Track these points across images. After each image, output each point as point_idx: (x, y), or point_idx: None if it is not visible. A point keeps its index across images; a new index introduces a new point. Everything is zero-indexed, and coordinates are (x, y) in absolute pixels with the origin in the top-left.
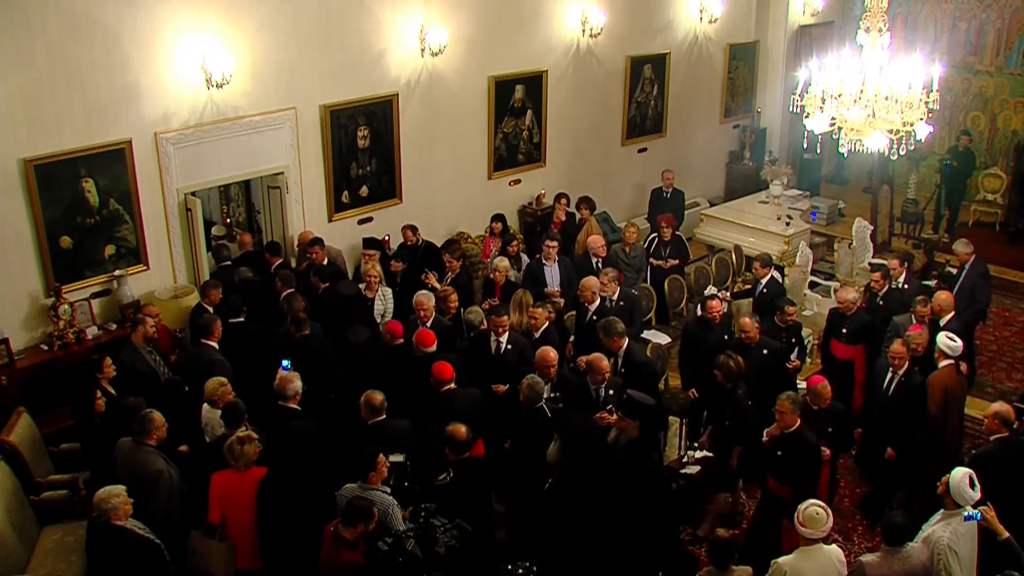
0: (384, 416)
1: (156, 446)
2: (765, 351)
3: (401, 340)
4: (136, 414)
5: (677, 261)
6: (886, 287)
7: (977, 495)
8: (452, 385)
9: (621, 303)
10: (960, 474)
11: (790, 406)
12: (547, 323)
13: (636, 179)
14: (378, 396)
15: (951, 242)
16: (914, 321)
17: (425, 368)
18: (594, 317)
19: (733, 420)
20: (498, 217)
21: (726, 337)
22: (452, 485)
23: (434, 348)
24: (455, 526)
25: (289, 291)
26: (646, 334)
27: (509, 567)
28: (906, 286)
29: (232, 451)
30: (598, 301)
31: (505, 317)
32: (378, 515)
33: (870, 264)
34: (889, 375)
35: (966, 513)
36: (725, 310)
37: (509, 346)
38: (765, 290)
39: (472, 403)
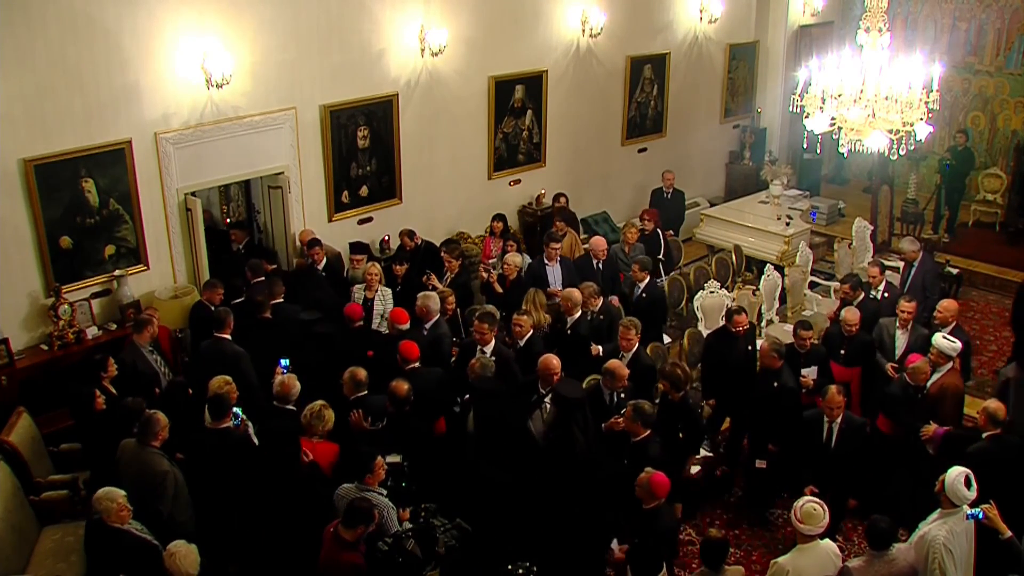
0: (366, 392)
1: (160, 447)
2: (776, 384)
3: (360, 322)
4: (136, 414)
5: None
6: (860, 297)
7: (973, 494)
8: (416, 364)
9: (601, 317)
10: (955, 473)
11: (631, 414)
12: (531, 331)
13: (636, 179)
14: (362, 372)
15: (952, 242)
16: (898, 323)
17: (394, 346)
18: (569, 331)
19: (685, 431)
20: (499, 217)
21: (749, 348)
22: (384, 431)
23: (408, 326)
24: (455, 526)
25: (259, 279)
26: None
27: (509, 567)
28: (887, 294)
29: (322, 416)
30: (578, 314)
31: (485, 325)
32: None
33: (872, 266)
34: (826, 425)
35: (969, 512)
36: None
37: (493, 357)
38: (643, 295)
39: (434, 381)
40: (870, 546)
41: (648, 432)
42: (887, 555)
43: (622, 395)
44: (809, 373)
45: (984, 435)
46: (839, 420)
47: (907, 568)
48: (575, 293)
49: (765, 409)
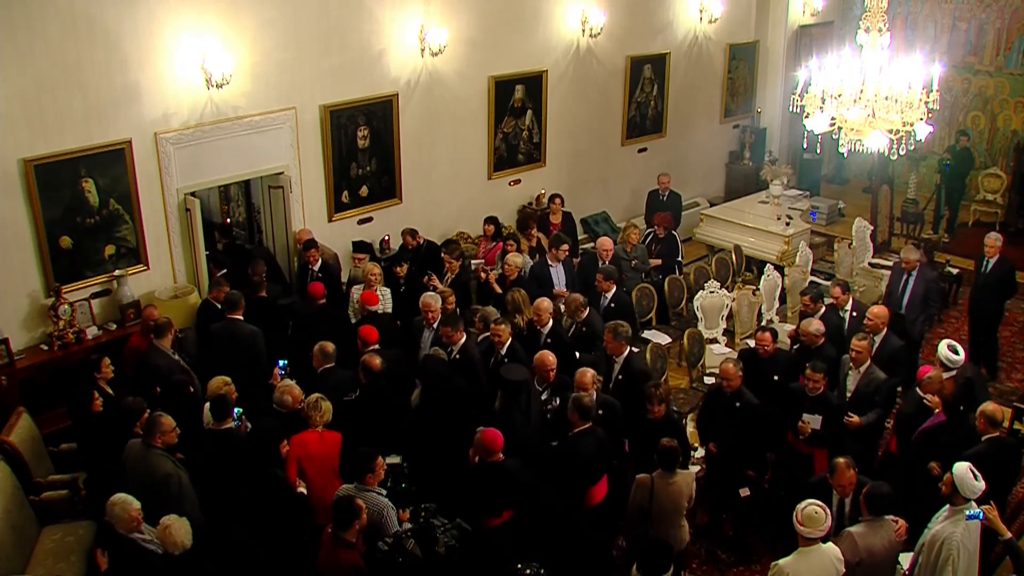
0: (333, 364)
1: (164, 449)
2: (738, 404)
3: (323, 301)
4: (135, 415)
5: (659, 261)
6: (822, 310)
7: (983, 484)
8: (375, 346)
9: (584, 328)
10: (962, 469)
11: (570, 404)
12: (510, 340)
13: (636, 179)
14: (330, 345)
15: (951, 242)
16: (850, 363)
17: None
18: (548, 340)
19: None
20: (490, 220)
21: (776, 378)
22: (357, 402)
23: (378, 307)
24: (455, 526)
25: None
26: (646, 334)
27: (518, 566)
28: (854, 314)
29: (318, 407)
30: (550, 323)
31: (449, 327)
32: (373, 516)
33: (835, 286)
34: (836, 498)
35: (968, 513)
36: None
37: (457, 355)
38: (612, 304)
39: (392, 359)
40: (869, 512)
41: (587, 425)
42: (885, 522)
43: (600, 412)
44: (811, 420)
45: (984, 438)
46: (850, 496)
47: (895, 538)
48: (544, 302)
49: (737, 434)
